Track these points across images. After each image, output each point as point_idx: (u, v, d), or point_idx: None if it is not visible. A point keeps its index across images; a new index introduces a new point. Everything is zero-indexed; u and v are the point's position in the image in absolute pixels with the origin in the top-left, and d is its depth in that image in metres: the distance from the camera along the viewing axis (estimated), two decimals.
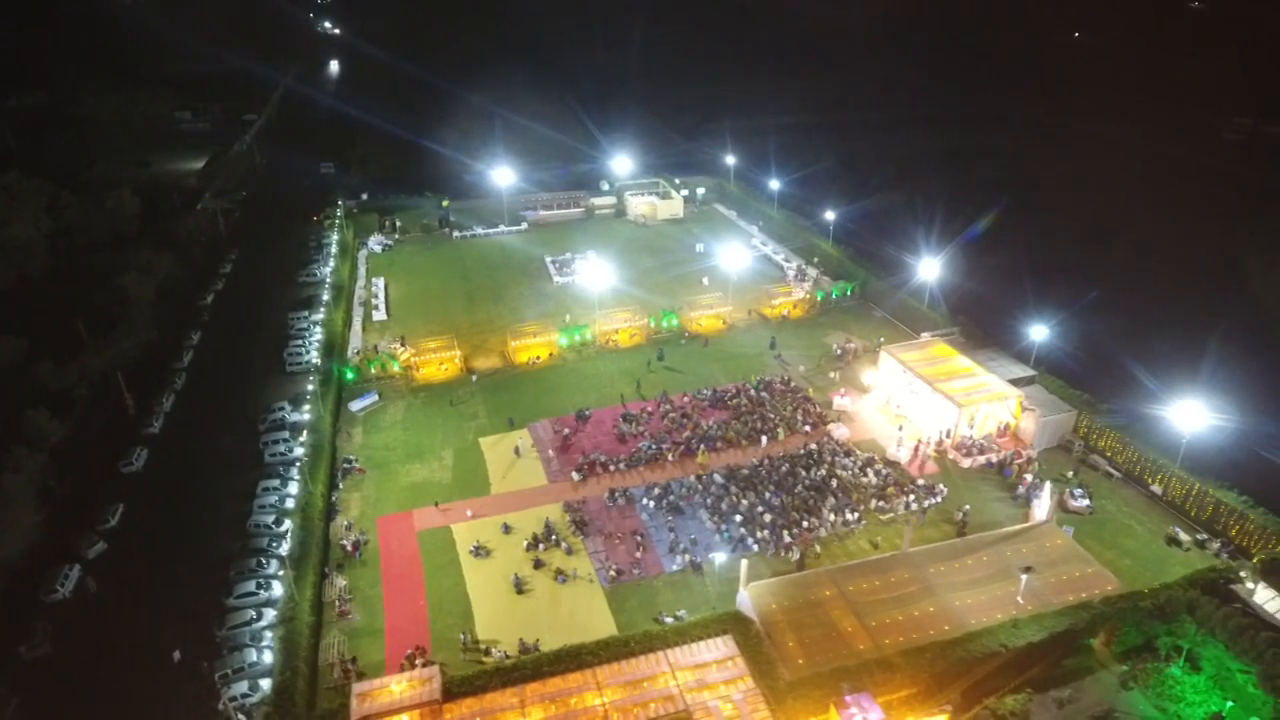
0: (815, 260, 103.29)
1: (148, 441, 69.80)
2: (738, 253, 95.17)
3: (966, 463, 66.38)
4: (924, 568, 52.48)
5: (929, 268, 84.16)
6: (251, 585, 52.89)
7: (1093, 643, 48.56)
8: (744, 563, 51.19)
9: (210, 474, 66.25)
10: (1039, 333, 72.45)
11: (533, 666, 44.70)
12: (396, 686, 43.56)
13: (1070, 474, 64.43)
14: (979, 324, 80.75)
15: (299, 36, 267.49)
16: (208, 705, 43.48)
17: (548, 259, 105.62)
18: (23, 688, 47.08)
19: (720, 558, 53.69)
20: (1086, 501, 60.79)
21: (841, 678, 43.73)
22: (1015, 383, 70.45)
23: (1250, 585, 50.78)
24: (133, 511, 61.98)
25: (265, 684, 45.84)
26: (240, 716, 44.43)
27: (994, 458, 66.34)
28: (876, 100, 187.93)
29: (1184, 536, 57.61)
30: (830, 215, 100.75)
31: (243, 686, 45.87)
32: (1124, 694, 46.45)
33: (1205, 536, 57.62)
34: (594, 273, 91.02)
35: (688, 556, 56.72)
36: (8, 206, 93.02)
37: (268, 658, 47.65)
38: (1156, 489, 61.90)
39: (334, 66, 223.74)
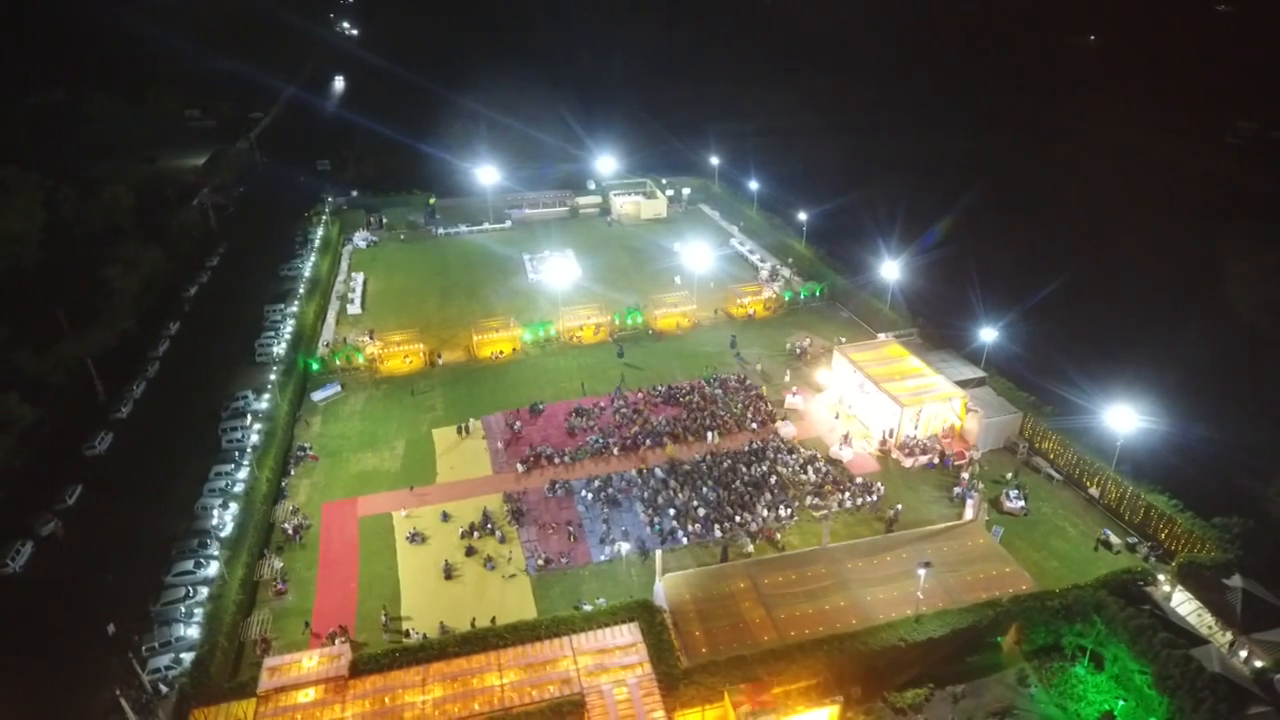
0: (790, 261, 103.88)
1: (114, 426, 72.42)
2: (703, 252, 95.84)
3: (909, 462, 66.69)
4: (841, 563, 53.13)
5: (891, 269, 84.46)
6: (190, 564, 54.95)
7: (1000, 640, 48.89)
8: (658, 554, 52.29)
9: (170, 458, 68.58)
10: (989, 335, 72.48)
11: (439, 647, 46.14)
12: (308, 662, 45.28)
13: (1009, 475, 64.53)
14: (940, 326, 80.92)
15: (315, 36, 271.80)
16: (132, 676, 45.33)
17: (526, 256, 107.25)
18: None
19: (626, 546, 54.82)
20: (1022, 503, 60.87)
21: (737, 666, 44.67)
22: (965, 384, 70.64)
23: (1167, 588, 50.88)
24: (91, 492, 64.50)
25: (189, 657, 47.64)
26: (162, 687, 46.40)
27: (935, 458, 66.61)
28: (871, 102, 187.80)
29: (1115, 539, 57.56)
30: (803, 216, 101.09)
31: (166, 659, 47.85)
32: (1026, 691, 46.79)
33: (1136, 540, 57.55)
34: (560, 270, 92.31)
35: (617, 547, 57.84)
36: (1, 200, 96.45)
37: (195, 632, 49.52)
38: (1094, 492, 61.86)
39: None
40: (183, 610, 51.83)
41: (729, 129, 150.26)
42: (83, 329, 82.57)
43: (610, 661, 45.20)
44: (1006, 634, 48.82)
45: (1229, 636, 47.33)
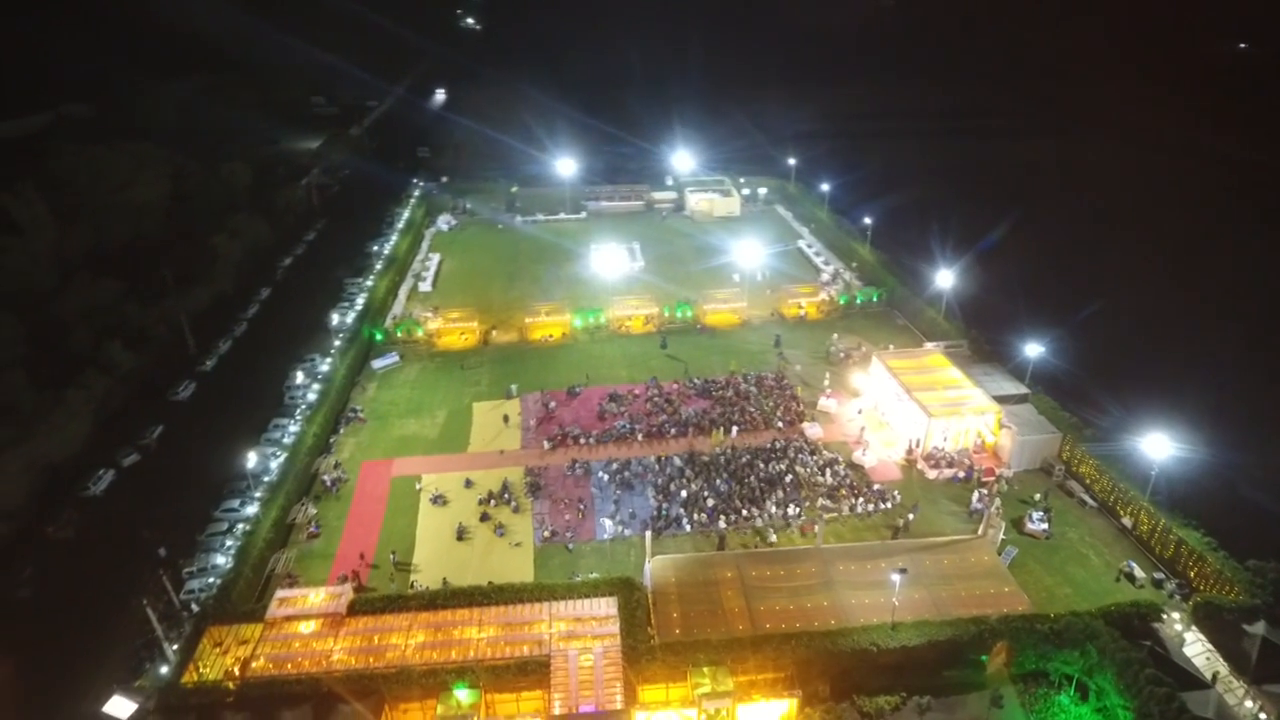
0: (854, 265, 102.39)
1: (199, 377, 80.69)
2: (756, 250, 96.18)
3: (933, 474, 65.14)
4: (833, 564, 52.91)
5: (946, 278, 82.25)
6: (236, 502, 61.04)
7: (984, 659, 47.51)
8: (648, 534, 53.82)
9: (240, 409, 75.58)
10: (1034, 350, 69.62)
11: (429, 598, 49.60)
12: (314, 597, 49.64)
13: (1037, 496, 61.96)
14: (993, 342, 78.26)
15: (439, 32, 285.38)
16: (162, 591, 51.14)
17: (593, 247, 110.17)
18: (39, 561, 57.44)
19: (608, 524, 56.66)
20: (1045, 526, 58.45)
21: (703, 649, 45.71)
22: (1005, 400, 68.26)
23: (1179, 627, 48.05)
24: (170, 433, 72.35)
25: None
26: (193, 605, 52.06)
27: (962, 473, 64.76)
28: (972, 108, 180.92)
29: (1139, 573, 54.47)
30: (868, 220, 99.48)
31: (200, 582, 53.70)
32: (1000, 713, 45.47)
33: (1163, 575, 54.24)
34: (616, 260, 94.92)
35: (621, 528, 59.79)
36: (135, 171, 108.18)
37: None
38: (1127, 522, 58.62)
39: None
40: (224, 542, 57.70)
41: (812, 130, 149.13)
42: (185, 289, 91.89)
43: (583, 630, 47.19)
44: (991, 653, 47.42)
45: (1239, 684, 44.37)
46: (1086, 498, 61.80)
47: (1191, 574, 53.24)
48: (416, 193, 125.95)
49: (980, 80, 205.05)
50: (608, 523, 58.60)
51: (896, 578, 46.10)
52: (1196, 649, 46.54)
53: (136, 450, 68.99)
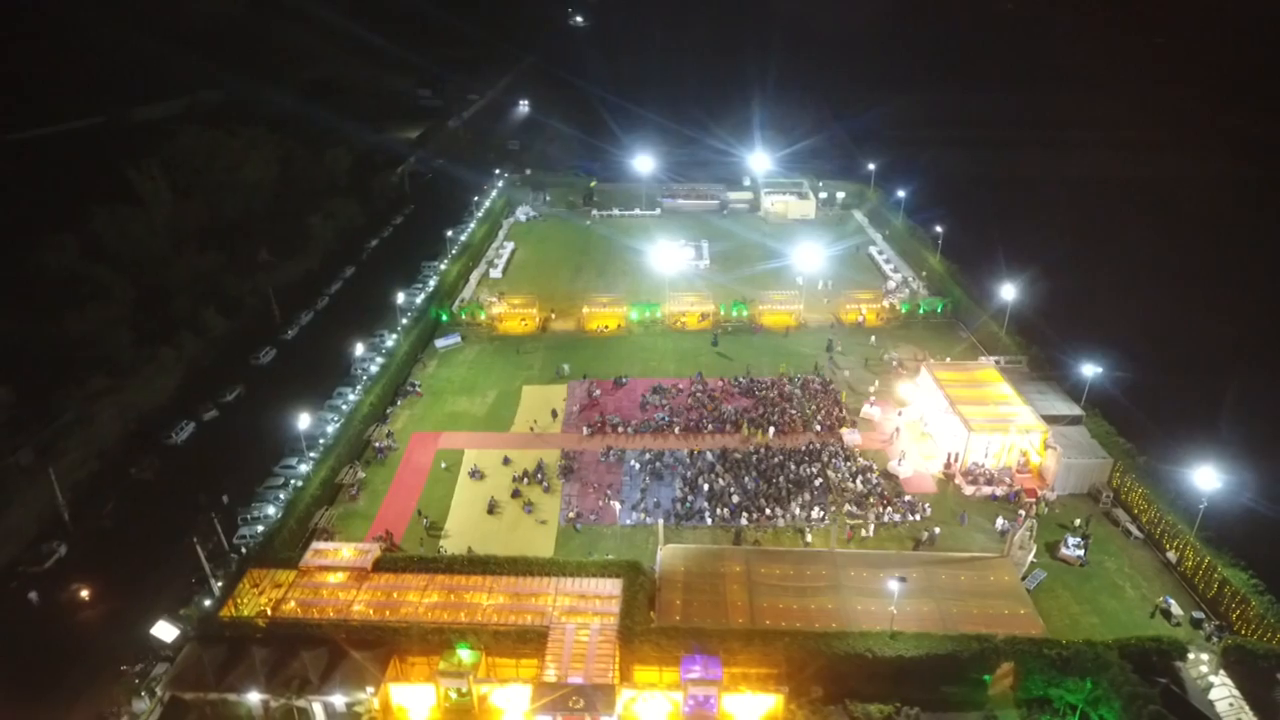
0: (923, 274, 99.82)
1: (280, 344, 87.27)
2: (814, 254, 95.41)
3: (970, 490, 63.40)
4: (843, 569, 52.72)
5: (1009, 292, 79.35)
6: (293, 460, 66.09)
7: (988, 679, 46.30)
8: (659, 524, 55.03)
9: (312, 375, 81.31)
10: (1090, 370, 66.48)
11: (447, 563, 52.60)
12: (345, 552, 53.59)
13: (1078, 522, 59.37)
14: (1054, 356, 75.04)
15: (545, 29, 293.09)
16: (217, 536, 56.33)
17: (662, 242, 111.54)
18: (121, 497, 64.24)
19: (617, 507, 58.06)
20: (1081, 552, 56.04)
21: (697, 637, 46.58)
22: (1056, 420, 65.65)
23: (1204, 669, 45.43)
24: (249, 394, 78.81)
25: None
26: (243, 549, 57.04)
27: (1000, 490, 62.75)
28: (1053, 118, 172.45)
29: (1177, 610, 51.55)
30: (939, 229, 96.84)
31: (251, 530, 58.73)
32: None
33: (1203, 615, 51.18)
34: (676, 257, 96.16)
35: (644, 515, 61.26)
36: (247, 153, 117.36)
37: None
38: (1172, 556, 55.47)
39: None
40: (278, 495, 62.72)
41: (903, 136, 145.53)
42: (279, 264, 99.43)
43: (584, 606, 49.00)
44: (997, 673, 46.14)
45: None
46: (1132, 528, 58.76)
47: (1234, 616, 50.01)
48: (500, 184, 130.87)
49: (1079, 86, 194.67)
50: (617, 506, 60.23)
51: (895, 585, 45.59)
52: (1221, 693, 43.89)
53: (217, 407, 75.63)
